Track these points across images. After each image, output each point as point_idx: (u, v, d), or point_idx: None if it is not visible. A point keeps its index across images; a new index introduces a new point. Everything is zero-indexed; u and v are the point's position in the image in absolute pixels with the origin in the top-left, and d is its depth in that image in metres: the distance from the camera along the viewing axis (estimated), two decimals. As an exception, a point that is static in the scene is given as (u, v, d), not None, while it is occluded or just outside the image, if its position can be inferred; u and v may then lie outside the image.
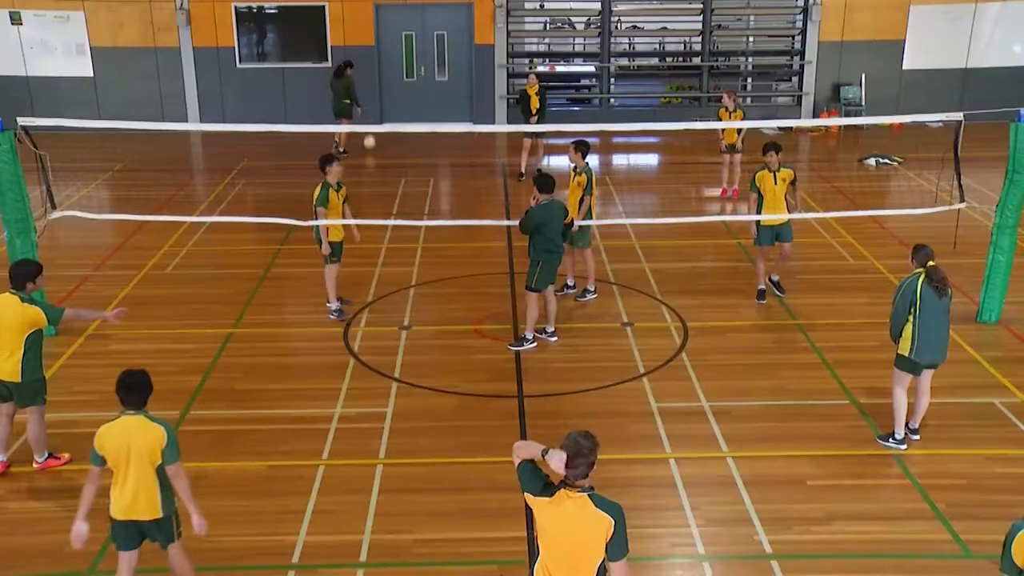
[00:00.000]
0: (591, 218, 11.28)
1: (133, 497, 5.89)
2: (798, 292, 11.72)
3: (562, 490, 4.73)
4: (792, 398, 9.20)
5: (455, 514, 7.41)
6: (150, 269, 12.76)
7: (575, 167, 11.23)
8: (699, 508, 7.47)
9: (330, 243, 10.71)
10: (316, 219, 10.54)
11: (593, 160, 19.92)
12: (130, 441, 5.81)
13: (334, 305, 11.04)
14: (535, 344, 10.23)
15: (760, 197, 11.16)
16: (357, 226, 11.12)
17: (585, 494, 4.72)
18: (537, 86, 16.91)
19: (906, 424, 8.33)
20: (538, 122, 16.58)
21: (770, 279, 11.62)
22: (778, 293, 11.57)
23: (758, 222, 11.16)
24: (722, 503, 7.55)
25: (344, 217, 10.81)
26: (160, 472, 5.90)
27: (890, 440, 8.26)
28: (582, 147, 11.29)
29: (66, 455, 8.09)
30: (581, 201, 11.12)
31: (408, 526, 7.26)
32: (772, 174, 11.06)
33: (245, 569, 6.88)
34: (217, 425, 8.80)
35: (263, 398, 9.29)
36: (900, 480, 7.84)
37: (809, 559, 6.90)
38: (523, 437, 8.47)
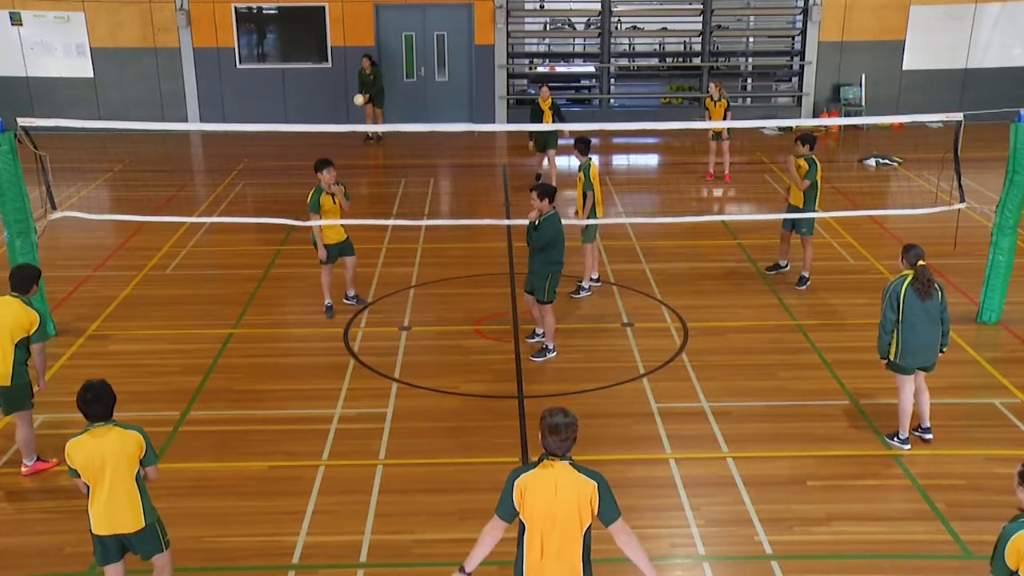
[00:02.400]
0: (594, 215, 11.31)
1: (114, 510, 5.72)
2: (798, 292, 11.72)
3: (546, 459, 5.08)
4: (792, 398, 9.20)
5: (455, 514, 7.41)
6: (150, 270, 12.76)
7: (579, 165, 11.43)
8: (699, 508, 7.47)
9: (325, 246, 10.76)
10: (310, 223, 10.62)
11: (592, 160, 20.06)
12: (104, 453, 5.64)
13: (327, 302, 11.11)
14: (555, 353, 10.10)
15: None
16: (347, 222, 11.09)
17: (567, 461, 5.08)
18: (550, 99, 15.96)
19: (919, 427, 8.34)
20: (553, 136, 15.84)
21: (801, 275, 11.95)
22: (799, 286, 11.88)
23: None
24: (722, 503, 7.55)
25: (342, 211, 10.80)
26: (139, 479, 5.76)
27: (895, 439, 8.27)
28: (579, 145, 11.49)
29: (54, 459, 8.03)
30: (585, 198, 11.22)
31: (408, 526, 7.27)
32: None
33: (245, 569, 6.88)
34: (217, 426, 8.80)
35: (263, 398, 9.29)
36: (900, 480, 7.84)
37: (809, 559, 6.90)
38: (523, 437, 8.49)
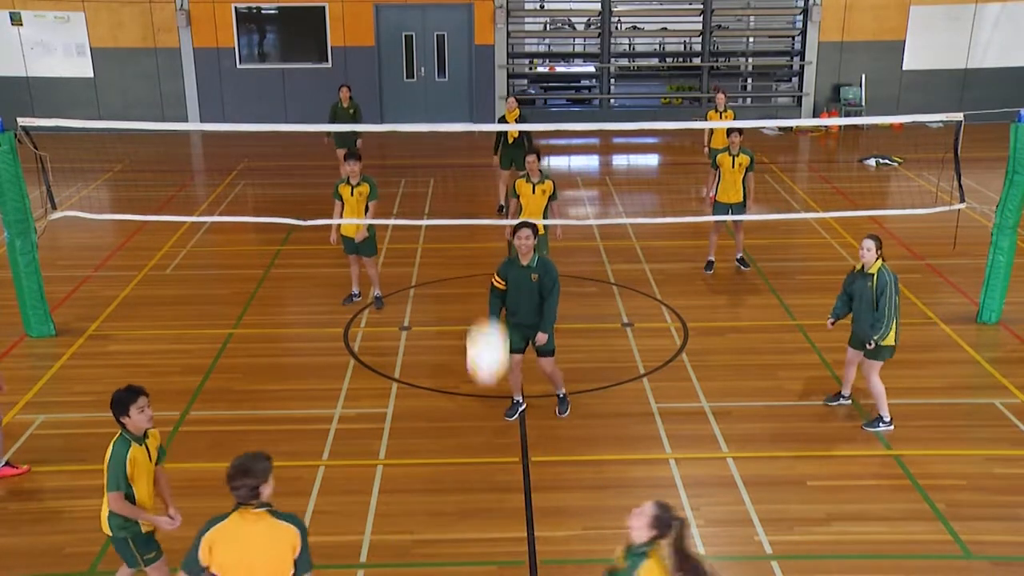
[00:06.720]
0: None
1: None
2: (798, 292, 11.73)
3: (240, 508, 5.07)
4: (792, 398, 9.20)
5: (455, 514, 7.41)
6: (150, 269, 12.76)
7: (530, 177, 10.92)
8: (699, 508, 7.46)
9: (342, 236, 10.99)
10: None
11: (592, 160, 20.11)
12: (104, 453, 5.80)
13: (353, 291, 11.48)
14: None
15: (718, 176, 11.99)
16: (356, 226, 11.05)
17: (263, 509, 5.27)
18: (517, 111, 14.53)
19: (847, 394, 8.88)
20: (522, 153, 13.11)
21: (736, 258, 12.52)
22: (742, 268, 12.47)
23: (714, 199, 12.13)
24: (722, 503, 7.55)
25: (362, 215, 10.82)
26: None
27: (880, 425, 8.44)
28: (537, 153, 11.13)
29: (25, 466, 7.95)
30: (547, 209, 10.95)
31: (408, 526, 7.27)
32: (731, 157, 11.77)
33: (245, 569, 6.87)
34: (217, 426, 8.80)
35: (263, 399, 9.29)
36: (900, 480, 7.84)
37: (809, 559, 6.89)
38: (523, 438, 8.48)
